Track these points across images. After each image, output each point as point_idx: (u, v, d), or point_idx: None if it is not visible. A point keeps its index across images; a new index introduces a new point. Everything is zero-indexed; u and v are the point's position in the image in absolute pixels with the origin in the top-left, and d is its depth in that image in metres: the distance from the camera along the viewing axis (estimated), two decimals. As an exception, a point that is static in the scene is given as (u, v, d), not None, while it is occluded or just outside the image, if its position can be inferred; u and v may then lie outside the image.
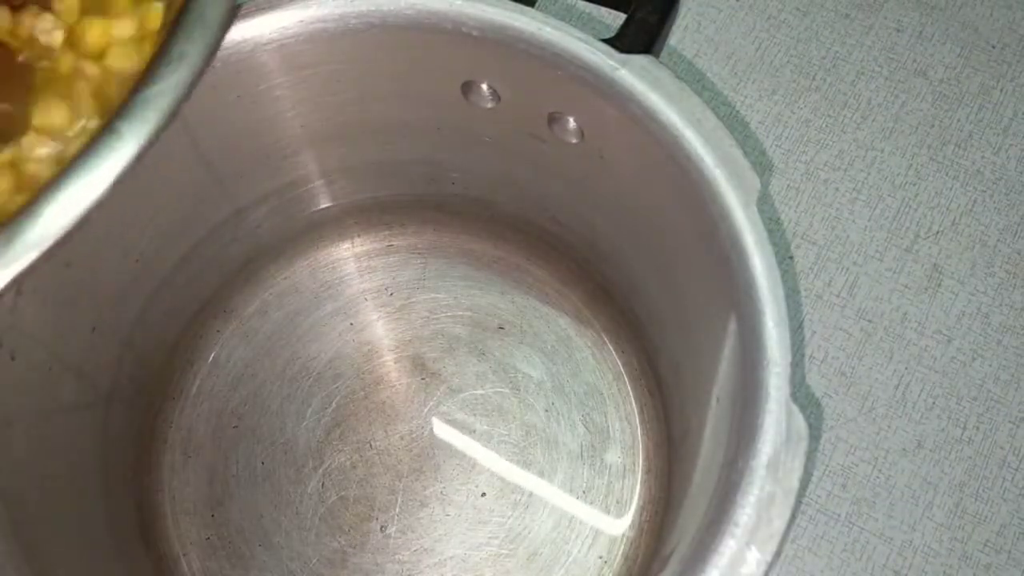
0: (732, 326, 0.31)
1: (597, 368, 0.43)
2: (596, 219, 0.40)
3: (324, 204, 0.44)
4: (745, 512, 0.28)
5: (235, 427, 0.43)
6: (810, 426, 0.29)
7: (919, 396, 0.44)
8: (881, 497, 0.42)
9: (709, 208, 0.32)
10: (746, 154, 0.32)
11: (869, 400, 0.43)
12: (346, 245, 0.46)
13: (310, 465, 0.42)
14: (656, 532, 0.40)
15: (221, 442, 0.42)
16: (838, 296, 0.45)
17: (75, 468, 0.36)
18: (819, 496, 0.42)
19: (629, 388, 0.43)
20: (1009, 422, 0.43)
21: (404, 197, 0.44)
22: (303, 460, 0.42)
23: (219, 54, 0.32)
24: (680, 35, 0.49)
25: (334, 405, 0.43)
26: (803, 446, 0.29)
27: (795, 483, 0.28)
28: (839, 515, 0.42)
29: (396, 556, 0.40)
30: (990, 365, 0.44)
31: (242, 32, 0.33)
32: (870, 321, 0.45)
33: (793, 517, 0.28)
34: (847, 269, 0.45)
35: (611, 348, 0.44)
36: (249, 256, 0.44)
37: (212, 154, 0.37)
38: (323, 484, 0.41)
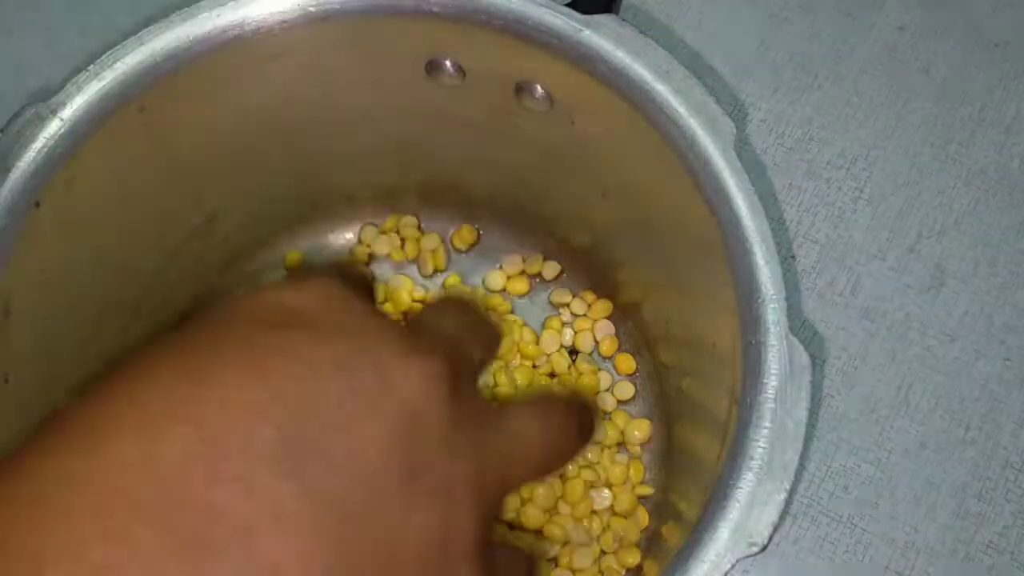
0: (722, 272, 0.31)
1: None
2: (572, 188, 0.39)
3: (294, 203, 0.43)
4: (759, 446, 0.28)
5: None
6: (811, 356, 0.29)
7: (922, 397, 0.43)
8: (884, 498, 0.42)
9: (687, 158, 0.32)
10: (718, 100, 0.32)
11: (871, 401, 0.43)
12: (319, 243, 0.45)
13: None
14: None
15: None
16: (840, 296, 0.45)
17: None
18: (821, 497, 0.42)
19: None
20: (1012, 423, 0.43)
21: (375, 188, 0.43)
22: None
23: (182, 54, 0.32)
24: (682, 32, 0.49)
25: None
26: (807, 376, 0.29)
27: (803, 413, 0.29)
28: (841, 516, 0.42)
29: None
30: (993, 365, 0.44)
31: (202, 29, 0.32)
32: (872, 321, 0.44)
33: (804, 450, 0.29)
34: (849, 268, 0.45)
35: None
36: (224, 263, 0.43)
37: (181, 158, 0.36)
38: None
